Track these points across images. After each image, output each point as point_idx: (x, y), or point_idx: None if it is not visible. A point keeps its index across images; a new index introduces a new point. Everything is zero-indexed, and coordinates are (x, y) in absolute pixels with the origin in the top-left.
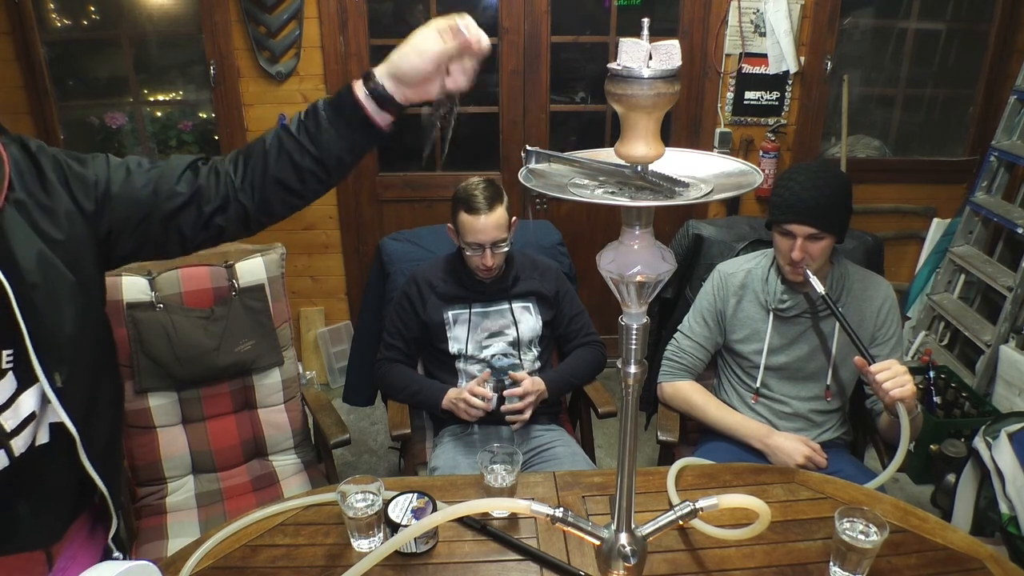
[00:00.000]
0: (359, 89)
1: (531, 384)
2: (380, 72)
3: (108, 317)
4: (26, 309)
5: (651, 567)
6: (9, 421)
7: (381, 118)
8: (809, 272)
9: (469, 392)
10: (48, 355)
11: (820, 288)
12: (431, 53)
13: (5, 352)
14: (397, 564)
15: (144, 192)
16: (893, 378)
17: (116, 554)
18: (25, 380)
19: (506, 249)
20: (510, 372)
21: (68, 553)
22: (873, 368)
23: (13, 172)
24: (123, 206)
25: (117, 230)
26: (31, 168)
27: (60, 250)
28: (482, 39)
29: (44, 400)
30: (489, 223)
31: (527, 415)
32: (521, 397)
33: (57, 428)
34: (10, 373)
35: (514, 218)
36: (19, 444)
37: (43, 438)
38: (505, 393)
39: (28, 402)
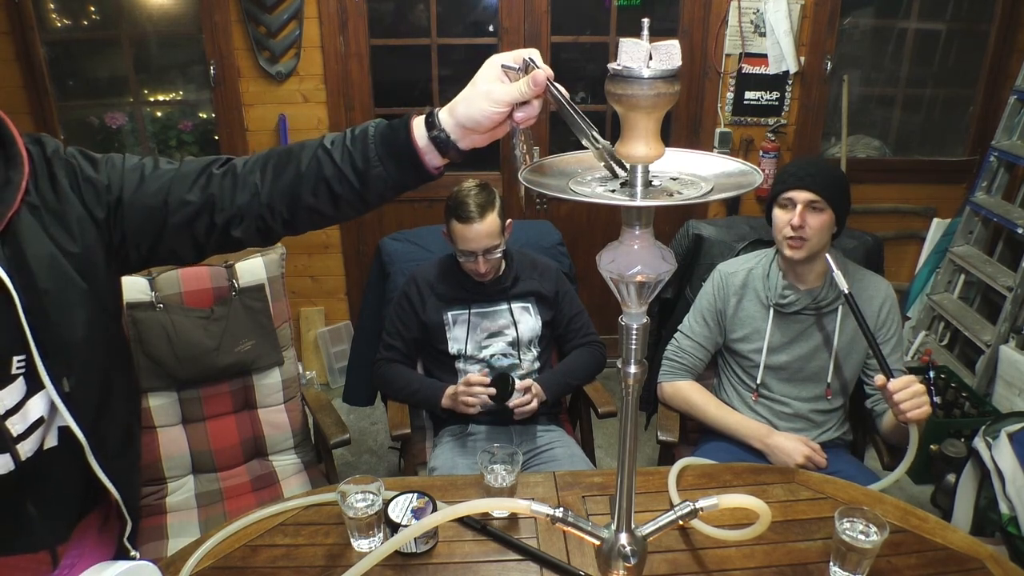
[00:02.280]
0: (419, 134)
1: (532, 385)
2: (445, 118)
3: (122, 322)
4: (35, 315)
5: (651, 567)
6: (16, 426)
7: (437, 163)
8: (832, 264)
9: (464, 384)
10: (57, 361)
11: (845, 286)
12: (504, 98)
13: (16, 358)
14: (397, 564)
15: (155, 200)
16: (910, 399)
17: (133, 552)
18: (34, 385)
19: (499, 255)
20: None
21: (75, 552)
22: (891, 387)
23: (30, 175)
24: (135, 214)
25: (131, 238)
26: (45, 171)
27: (72, 257)
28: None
29: (52, 405)
30: (481, 231)
31: (534, 404)
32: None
33: (66, 432)
34: (20, 378)
35: (508, 220)
36: (26, 448)
37: (51, 442)
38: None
39: (37, 407)
